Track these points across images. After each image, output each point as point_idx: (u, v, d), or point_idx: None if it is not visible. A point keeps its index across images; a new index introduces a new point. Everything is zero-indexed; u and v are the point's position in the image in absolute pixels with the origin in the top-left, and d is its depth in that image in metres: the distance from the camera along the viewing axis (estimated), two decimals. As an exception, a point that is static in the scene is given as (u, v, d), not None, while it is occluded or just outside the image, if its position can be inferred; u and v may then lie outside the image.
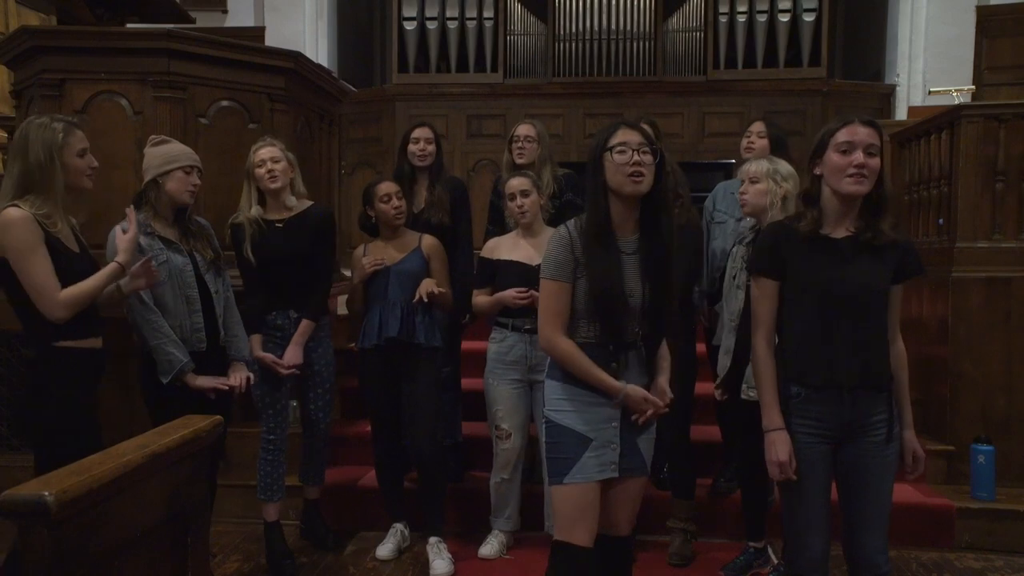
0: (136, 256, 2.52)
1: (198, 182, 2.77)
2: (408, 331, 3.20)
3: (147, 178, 2.73)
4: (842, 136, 2.06)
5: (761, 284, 2.21)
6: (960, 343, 3.79)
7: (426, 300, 3.16)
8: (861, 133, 2.04)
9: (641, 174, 2.03)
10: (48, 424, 2.35)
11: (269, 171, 3.07)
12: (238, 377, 2.82)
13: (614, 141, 2.06)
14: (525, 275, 3.06)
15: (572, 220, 2.15)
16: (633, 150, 2.03)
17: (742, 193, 2.97)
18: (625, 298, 2.07)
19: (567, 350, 2.11)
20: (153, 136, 2.86)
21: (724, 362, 3.04)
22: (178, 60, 3.50)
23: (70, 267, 2.37)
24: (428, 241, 3.33)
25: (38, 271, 2.30)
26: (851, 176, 2.04)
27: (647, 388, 2.16)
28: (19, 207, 2.31)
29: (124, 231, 2.54)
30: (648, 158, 2.04)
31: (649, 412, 2.14)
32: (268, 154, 3.09)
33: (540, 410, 2.81)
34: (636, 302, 2.09)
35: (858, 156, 2.03)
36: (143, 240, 2.66)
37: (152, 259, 2.57)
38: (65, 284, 2.35)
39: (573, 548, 2.10)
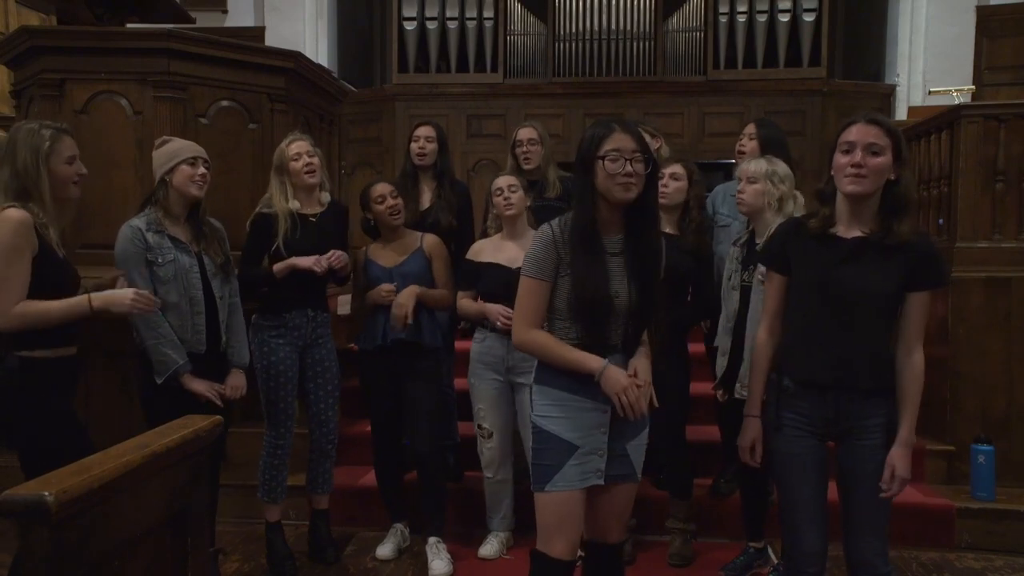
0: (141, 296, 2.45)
1: (204, 172, 2.76)
2: (413, 333, 3.20)
3: (156, 179, 2.74)
4: (845, 136, 2.06)
5: (770, 277, 2.29)
6: (960, 343, 3.79)
7: (403, 325, 3.11)
8: (863, 132, 2.03)
9: (632, 183, 1.99)
10: (29, 431, 2.32)
11: (307, 164, 3.06)
12: (231, 385, 2.83)
13: (608, 147, 1.99)
14: (506, 278, 2.97)
15: (557, 219, 2.09)
16: (626, 159, 1.98)
17: (739, 193, 2.98)
18: (611, 300, 2.03)
19: (541, 339, 2.06)
20: (158, 139, 2.86)
21: (722, 363, 3.05)
22: (178, 60, 3.50)
23: (55, 274, 2.36)
24: (430, 240, 3.31)
25: (5, 276, 2.26)
26: (848, 176, 2.04)
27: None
28: (18, 208, 2.28)
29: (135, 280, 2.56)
30: (640, 166, 1.99)
31: (626, 399, 1.99)
32: (303, 147, 3.09)
33: (525, 414, 2.80)
34: (622, 303, 2.05)
35: (856, 155, 2.02)
36: (152, 238, 2.67)
37: (155, 304, 2.53)
38: (48, 289, 2.32)
39: (549, 560, 2.06)
